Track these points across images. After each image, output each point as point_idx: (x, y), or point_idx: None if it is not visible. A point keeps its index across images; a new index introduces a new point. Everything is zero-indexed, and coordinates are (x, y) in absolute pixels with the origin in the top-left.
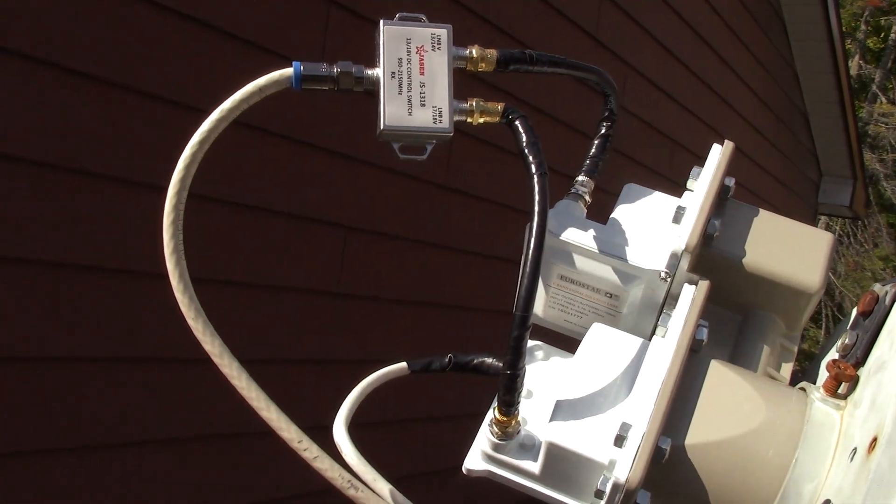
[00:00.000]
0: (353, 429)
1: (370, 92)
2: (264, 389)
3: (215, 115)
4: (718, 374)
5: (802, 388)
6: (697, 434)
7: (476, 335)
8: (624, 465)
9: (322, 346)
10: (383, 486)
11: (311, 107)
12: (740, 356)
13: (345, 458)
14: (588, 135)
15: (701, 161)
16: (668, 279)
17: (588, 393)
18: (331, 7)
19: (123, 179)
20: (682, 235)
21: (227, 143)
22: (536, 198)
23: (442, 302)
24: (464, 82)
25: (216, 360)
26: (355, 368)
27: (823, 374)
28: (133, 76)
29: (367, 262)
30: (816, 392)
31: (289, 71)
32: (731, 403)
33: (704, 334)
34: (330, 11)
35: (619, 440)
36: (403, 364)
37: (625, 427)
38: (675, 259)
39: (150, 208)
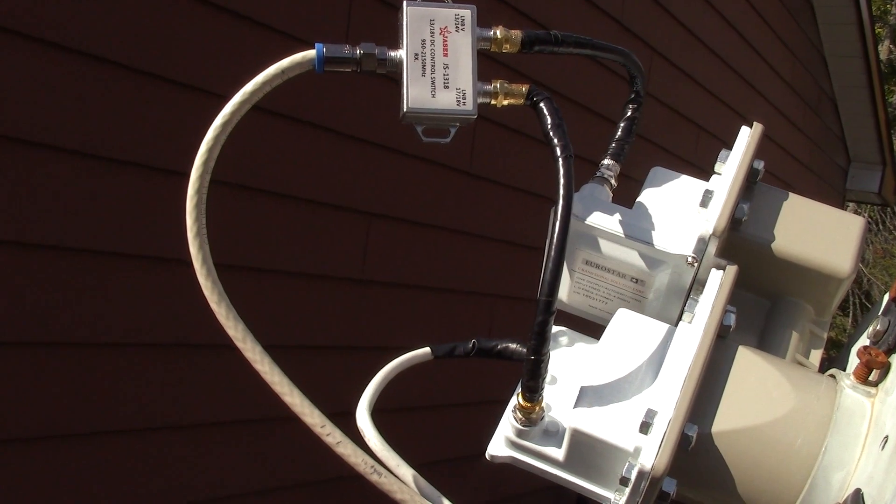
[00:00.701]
0: (377, 415)
1: (393, 74)
2: (287, 375)
3: (238, 97)
4: (746, 361)
5: (832, 376)
6: (724, 421)
7: (500, 322)
8: (649, 453)
9: (345, 332)
10: (406, 472)
11: (336, 93)
12: (768, 342)
13: (368, 444)
14: (612, 120)
15: (728, 145)
16: (696, 264)
17: (613, 379)
18: None
19: (147, 165)
20: (710, 219)
21: (252, 129)
22: (561, 181)
23: (466, 288)
24: (485, 66)
25: (239, 344)
26: (379, 355)
27: (854, 361)
28: (154, 62)
29: (391, 248)
30: (846, 379)
31: (311, 53)
32: (759, 390)
33: (732, 320)
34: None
35: (645, 427)
36: (427, 349)
37: (650, 413)
38: (702, 244)
39: (173, 194)
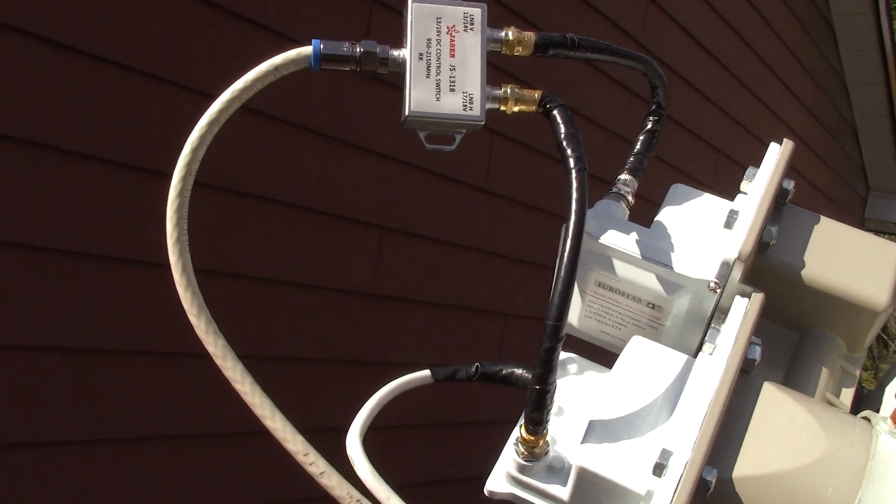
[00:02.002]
0: (370, 432)
1: (395, 75)
2: (278, 392)
3: (226, 95)
4: (772, 398)
5: (866, 418)
6: (747, 465)
7: (511, 341)
8: (663, 498)
9: (353, 346)
10: None
11: (349, 104)
12: (796, 379)
13: (357, 473)
14: (623, 137)
15: (748, 167)
16: (718, 290)
17: (625, 413)
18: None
19: (132, 166)
20: (735, 242)
21: (263, 138)
22: (574, 195)
23: (477, 306)
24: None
25: (218, 361)
26: (386, 370)
27: (890, 403)
28: (141, 59)
29: (403, 263)
30: (883, 423)
31: (307, 49)
32: (787, 432)
33: (757, 353)
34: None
35: (659, 469)
36: (427, 372)
37: (665, 454)
38: (726, 268)
39: (157, 196)
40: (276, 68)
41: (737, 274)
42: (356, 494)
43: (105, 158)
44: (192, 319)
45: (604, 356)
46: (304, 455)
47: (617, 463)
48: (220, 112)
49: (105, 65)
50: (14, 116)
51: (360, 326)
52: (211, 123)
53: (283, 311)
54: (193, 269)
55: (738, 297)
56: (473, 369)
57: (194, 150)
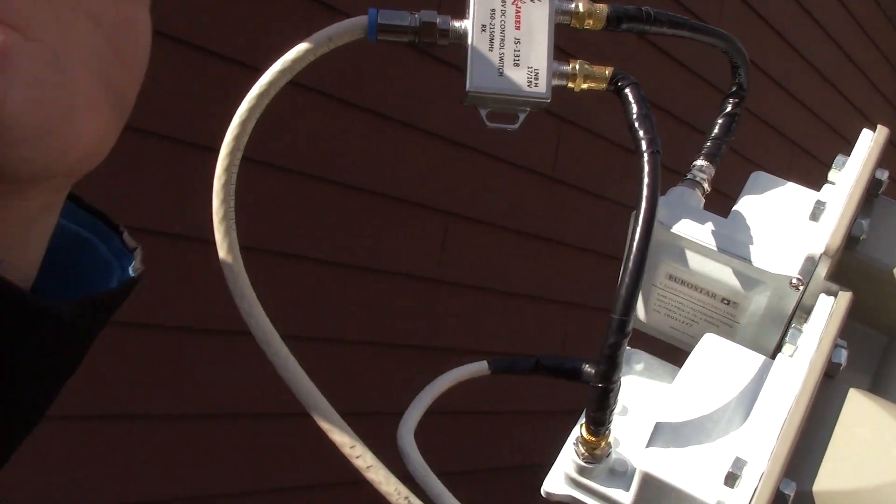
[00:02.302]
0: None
1: (455, 48)
2: (324, 375)
3: (277, 66)
4: (858, 406)
5: None
6: (829, 479)
7: (574, 333)
8: None
9: (415, 330)
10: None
11: (419, 88)
12: (885, 385)
13: (408, 467)
14: (693, 126)
15: (826, 166)
16: (801, 287)
17: (695, 416)
18: None
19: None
20: (822, 236)
21: (329, 121)
22: (646, 180)
23: (542, 295)
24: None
25: (262, 345)
26: (447, 356)
27: None
28: (190, 31)
29: (468, 249)
30: None
31: (363, 19)
32: (874, 443)
33: (843, 356)
34: None
35: (732, 479)
36: (484, 363)
37: (739, 463)
38: (810, 264)
39: (203, 170)
40: (331, 39)
41: (822, 270)
42: (404, 491)
43: (159, 133)
44: (236, 300)
45: (673, 354)
46: (351, 447)
47: (685, 470)
48: (271, 84)
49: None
50: None
51: (417, 310)
52: (261, 96)
53: (332, 291)
54: (239, 248)
55: (822, 296)
56: (533, 362)
57: (243, 124)
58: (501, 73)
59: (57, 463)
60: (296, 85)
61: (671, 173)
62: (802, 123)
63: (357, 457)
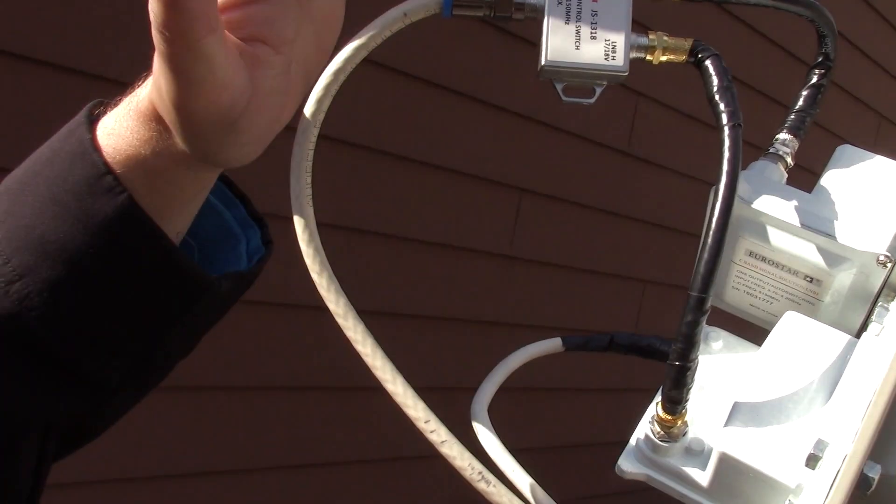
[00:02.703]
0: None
1: (531, 23)
2: (399, 351)
3: (354, 43)
4: None
5: None
6: None
7: (649, 310)
8: (817, 494)
9: (489, 307)
10: (523, 479)
11: (493, 64)
12: None
13: (482, 444)
14: (784, 104)
15: None
16: (889, 265)
17: (775, 396)
18: None
19: None
20: None
21: (404, 98)
22: (726, 154)
23: (617, 272)
24: None
25: (340, 320)
26: (520, 333)
27: None
28: None
29: (541, 225)
30: None
31: None
32: None
33: None
34: None
35: (813, 460)
36: (558, 340)
37: (821, 445)
38: None
39: (280, 150)
40: (406, 14)
41: None
42: (478, 466)
43: None
44: (314, 276)
45: (752, 332)
46: (426, 422)
47: (765, 451)
48: (347, 61)
49: None
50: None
51: (491, 287)
52: (337, 72)
53: (407, 267)
54: (316, 224)
55: None
56: (607, 339)
57: (319, 101)
58: (578, 47)
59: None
60: (373, 63)
61: (752, 149)
62: (890, 94)
63: (431, 431)
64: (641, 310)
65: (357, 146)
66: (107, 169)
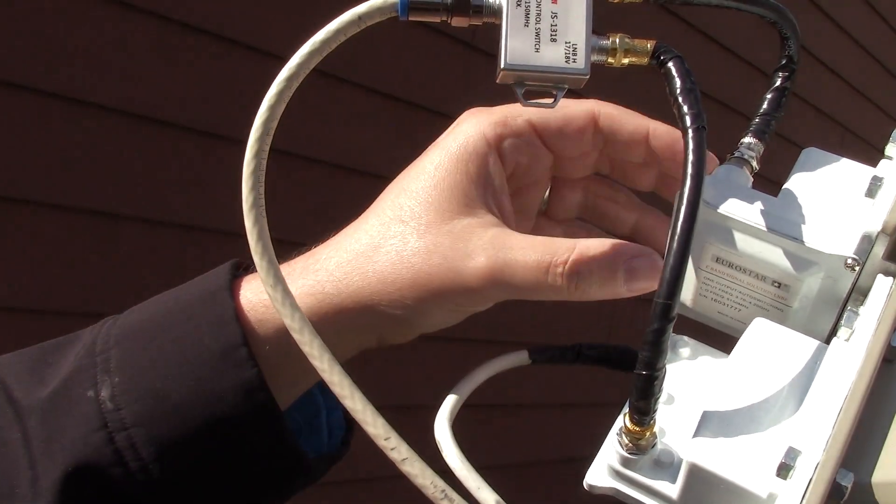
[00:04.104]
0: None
1: (490, 28)
2: (360, 369)
3: (306, 48)
4: None
5: None
6: (890, 469)
7: (623, 322)
8: (789, 503)
9: (459, 325)
10: (489, 497)
11: (451, 77)
12: None
13: (446, 460)
14: (737, 110)
15: (879, 149)
16: (857, 268)
17: (745, 405)
18: None
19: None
20: (879, 213)
21: (376, 116)
22: (690, 157)
23: None
24: None
25: (295, 335)
26: (482, 349)
27: None
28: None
29: None
30: None
31: None
32: None
33: None
34: None
35: (784, 469)
36: (524, 353)
37: (792, 453)
38: (867, 243)
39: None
40: (360, 18)
41: (880, 249)
42: (441, 484)
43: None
44: (268, 290)
45: (721, 340)
46: (386, 439)
47: (735, 461)
48: (300, 66)
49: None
50: (82, 80)
51: None
52: (290, 79)
53: None
54: (270, 236)
55: (880, 276)
56: (575, 350)
57: (272, 108)
58: (538, 49)
59: None
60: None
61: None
62: (853, 106)
63: (392, 449)
64: (613, 320)
65: (307, 159)
66: (244, 341)
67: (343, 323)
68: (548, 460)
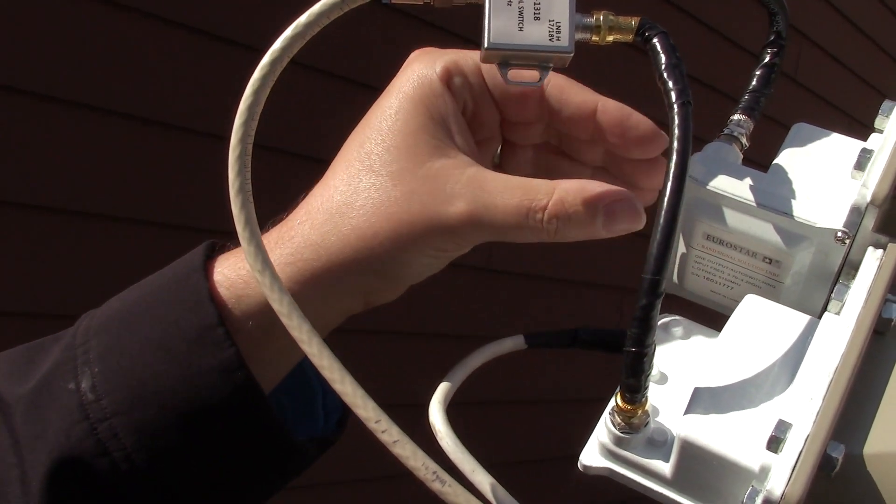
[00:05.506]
0: (458, 408)
1: (473, 8)
2: (358, 364)
3: (289, 31)
4: None
5: None
6: (881, 441)
7: (629, 318)
8: (780, 476)
9: (464, 320)
10: (483, 479)
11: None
12: None
13: (440, 443)
14: (725, 93)
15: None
16: (847, 241)
17: (736, 380)
18: None
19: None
20: (868, 186)
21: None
22: (676, 132)
23: (594, 281)
24: None
25: (283, 319)
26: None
27: None
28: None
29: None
30: None
31: None
32: None
33: (894, 312)
34: None
35: (775, 443)
36: (520, 337)
37: (782, 426)
38: (856, 215)
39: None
40: (343, 1)
41: (869, 222)
42: (432, 465)
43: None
44: (257, 275)
45: (713, 318)
46: (376, 422)
47: (726, 435)
48: (283, 50)
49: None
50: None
51: (468, 301)
52: (273, 63)
53: None
54: (258, 222)
55: (871, 249)
56: (571, 335)
57: (256, 92)
58: (522, 28)
59: None
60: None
61: (698, 142)
62: (855, 93)
63: (383, 431)
64: (622, 318)
65: (300, 157)
66: (219, 321)
67: (327, 288)
68: (549, 458)
